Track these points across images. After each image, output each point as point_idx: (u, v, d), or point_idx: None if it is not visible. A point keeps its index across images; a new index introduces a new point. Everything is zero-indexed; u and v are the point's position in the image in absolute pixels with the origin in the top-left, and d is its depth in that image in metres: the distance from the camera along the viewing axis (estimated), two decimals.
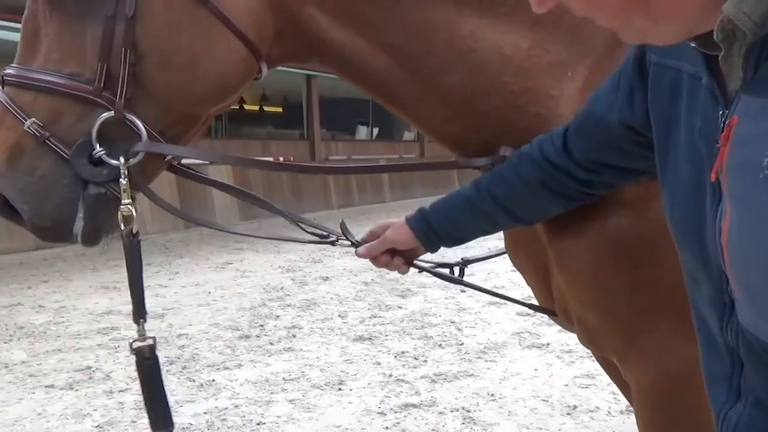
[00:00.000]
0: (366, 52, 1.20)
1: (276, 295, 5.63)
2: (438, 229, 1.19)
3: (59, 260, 7.17)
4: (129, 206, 1.13)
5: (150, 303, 5.77)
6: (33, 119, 1.09)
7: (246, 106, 15.01)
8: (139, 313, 1.18)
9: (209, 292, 5.75)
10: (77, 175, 1.11)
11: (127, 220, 1.13)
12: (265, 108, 15.82)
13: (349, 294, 5.62)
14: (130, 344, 1.17)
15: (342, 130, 15.30)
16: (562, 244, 1.20)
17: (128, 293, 1.18)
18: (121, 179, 1.11)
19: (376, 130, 15.95)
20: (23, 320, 4.88)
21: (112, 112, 1.09)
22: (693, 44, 0.67)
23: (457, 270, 1.44)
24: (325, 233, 1.30)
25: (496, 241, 1.81)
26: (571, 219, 1.17)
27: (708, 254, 0.71)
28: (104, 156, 1.11)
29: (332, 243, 1.29)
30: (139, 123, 1.11)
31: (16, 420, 3.17)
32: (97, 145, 1.10)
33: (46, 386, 3.58)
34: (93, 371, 3.80)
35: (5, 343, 4.36)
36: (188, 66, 1.11)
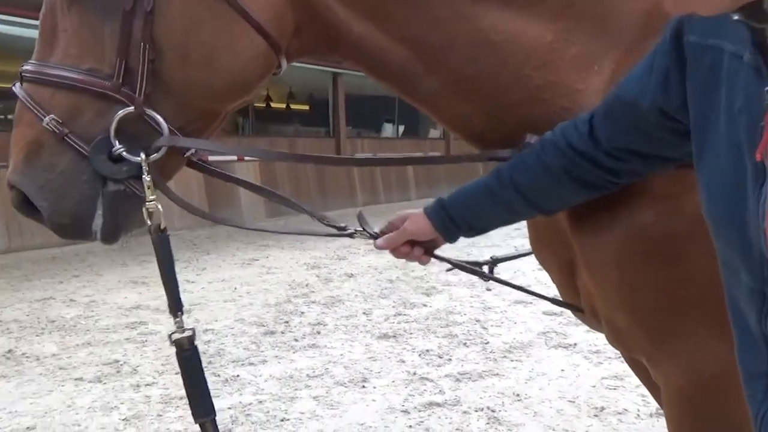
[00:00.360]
0: (385, 45, 1.19)
1: (301, 292, 5.65)
2: (457, 218, 1.17)
3: (90, 255, 7.31)
4: (155, 202, 1.13)
5: None
6: (52, 116, 1.10)
7: (273, 104, 15.11)
8: (176, 305, 1.18)
9: (235, 288, 5.80)
10: (96, 171, 1.11)
11: (153, 215, 1.13)
12: (292, 106, 15.90)
13: (373, 291, 5.62)
14: (170, 336, 1.17)
15: (368, 128, 15.30)
16: (588, 240, 1.17)
17: (157, 288, 1.19)
18: (144, 175, 1.11)
19: (401, 128, 15.92)
20: (55, 314, 4.98)
21: (132, 108, 1.09)
22: (737, 16, 0.64)
23: (486, 269, 1.42)
24: (341, 225, 1.28)
25: (523, 239, 1.79)
26: (598, 214, 1.14)
27: (748, 240, 0.68)
28: (124, 152, 1.11)
29: (350, 235, 1.27)
30: (159, 118, 1.11)
31: (46, 412, 3.23)
32: (116, 142, 1.10)
33: (75, 379, 3.65)
34: (121, 365, 3.85)
35: (37, 336, 4.46)
36: (207, 61, 1.11)
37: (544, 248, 1.39)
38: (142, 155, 1.11)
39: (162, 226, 1.15)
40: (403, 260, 1.27)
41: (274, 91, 14.76)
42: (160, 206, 1.14)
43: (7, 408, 3.28)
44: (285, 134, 13.17)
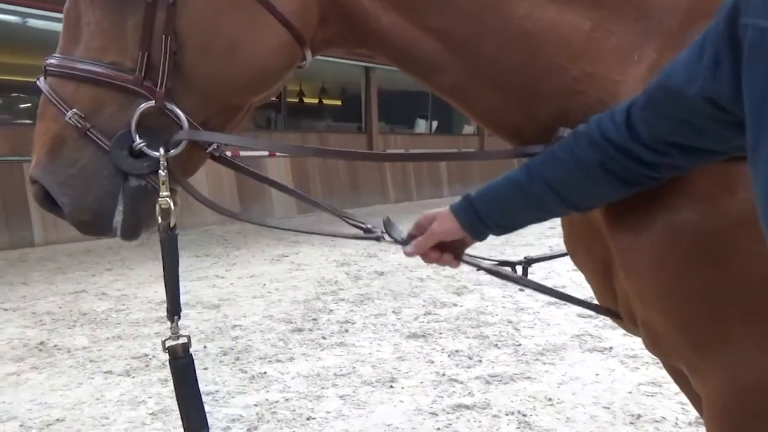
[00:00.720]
0: (413, 36, 1.16)
1: (330, 289, 5.66)
2: (485, 216, 1.13)
3: (123, 249, 7.45)
4: (168, 199, 1.12)
5: (207, 293, 5.92)
6: (74, 110, 1.10)
7: (305, 99, 15.20)
8: (174, 309, 1.16)
9: (264, 284, 5.84)
10: (117, 167, 1.11)
11: (165, 213, 1.12)
12: (324, 101, 15.98)
13: (403, 290, 5.59)
14: (163, 342, 1.16)
15: (400, 124, 15.27)
16: (625, 240, 1.12)
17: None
18: (159, 170, 1.11)
19: (435, 124, 15.84)
20: (87, 307, 5.09)
21: (153, 102, 1.09)
22: None
23: (519, 269, 1.38)
24: (368, 227, 1.26)
25: (558, 238, 1.74)
26: (635, 211, 1.10)
27: None
28: (144, 147, 1.10)
29: (377, 239, 1.25)
30: (179, 112, 1.10)
31: (75, 404, 3.30)
32: (137, 136, 1.10)
33: (104, 372, 3.71)
34: (150, 359, 3.91)
35: (69, 328, 4.56)
36: (230, 53, 1.10)
37: (579, 248, 1.35)
38: (161, 150, 1.10)
39: (172, 224, 1.14)
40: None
41: (306, 86, 14.85)
42: (172, 203, 1.12)
43: (37, 399, 3.35)
44: (317, 129, 13.23)
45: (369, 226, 1.27)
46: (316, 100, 15.88)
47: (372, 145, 13.08)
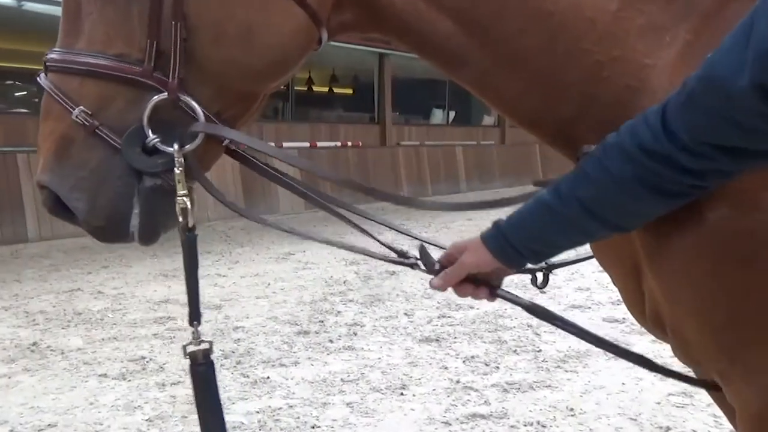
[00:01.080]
0: (428, 17, 1.16)
1: (338, 290, 5.67)
2: (518, 245, 1.10)
3: (120, 245, 7.50)
4: (185, 198, 1.11)
5: (208, 293, 5.96)
6: (81, 107, 1.08)
7: (314, 88, 15.22)
8: (195, 314, 1.17)
9: (268, 284, 5.86)
10: (130, 166, 1.10)
11: (184, 213, 1.12)
12: (335, 89, 15.99)
13: (416, 291, 5.59)
14: (184, 348, 1.16)
15: (416, 114, 15.25)
16: (654, 239, 1.10)
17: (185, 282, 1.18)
18: (175, 168, 1.09)
19: (452, 114, 15.81)
20: (82, 306, 5.13)
21: (165, 94, 1.08)
22: None
23: (540, 276, 1.37)
24: (401, 250, 1.25)
25: None
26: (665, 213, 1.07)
27: None
28: (158, 143, 1.09)
29: (410, 266, 1.22)
30: (194, 104, 1.09)
31: (68, 409, 3.32)
32: (150, 132, 1.09)
33: (99, 375, 3.74)
34: (147, 362, 3.94)
35: (63, 329, 4.60)
36: (245, 38, 1.09)
37: (606, 248, 1.33)
38: (176, 145, 1.09)
39: (191, 225, 1.13)
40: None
41: (315, 73, 14.87)
42: (189, 202, 1.12)
43: (29, 403, 3.38)
44: (327, 120, 13.25)
45: (402, 249, 1.25)
46: (326, 89, 15.90)
47: (385, 137, 13.08)
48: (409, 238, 1.40)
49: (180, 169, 1.10)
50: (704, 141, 0.92)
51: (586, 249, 1.47)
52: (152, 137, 1.09)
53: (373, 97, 13.42)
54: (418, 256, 1.22)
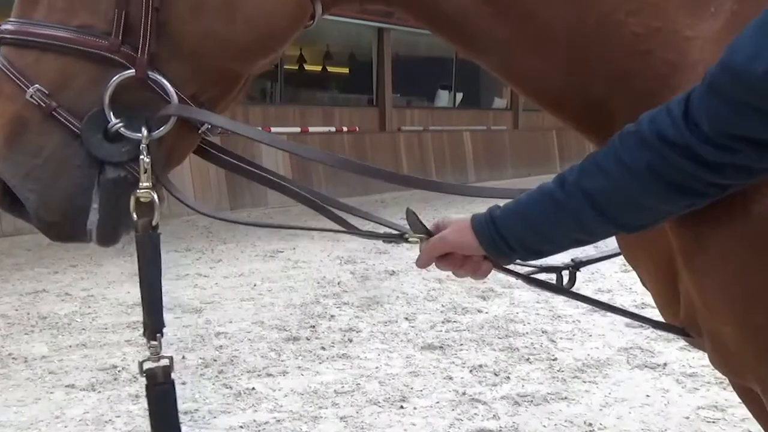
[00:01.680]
0: None
1: (332, 291, 5.67)
2: (509, 236, 1.10)
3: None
4: (149, 191, 1.09)
5: (187, 295, 5.94)
6: (37, 86, 1.07)
7: (306, 66, 15.19)
8: (155, 325, 1.13)
9: (254, 285, 5.87)
10: (91, 154, 1.08)
11: (146, 208, 1.10)
12: (329, 68, 15.97)
13: (418, 293, 5.59)
14: (140, 364, 1.14)
15: (419, 95, 15.23)
16: (692, 234, 1.10)
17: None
18: (141, 155, 1.08)
19: (459, 96, 15.78)
20: (47, 309, 5.14)
21: (132, 71, 1.06)
22: None
23: (566, 275, 1.37)
24: (389, 226, 1.23)
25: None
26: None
27: None
28: (123, 129, 1.08)
29: (401, 237, 1.20)
30: (165, 83, 1.08)
31: (31, 423, 3.33)
32: (112, 115, 1.07)
33: (66, 386, 3.75)
34: (119, 371, 3.95)
35: (26, 334, 4.61)
36: (226, 9, 1.08)
37: (635, 244, 1.33)
38: (144, 131, 1.08)
39: (154, 223, 1.11)
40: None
41: (307, 50, 14.84)
42: (156, 197, 1.10)
43: None
44: (320, 102, 13.24)
45: (388, 225, 1.23)
46: (319, 68, 15.87)
47: (384, 121, 13.07)
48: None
49: (147, 157, 1.08)
50: (726, 132, 0.94)
51: (611, 243, 1.47)
52: (115, 121, 1.07)
53: (372, 76, 13.39)
54: (407, 225, 1.19)
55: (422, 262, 1.18)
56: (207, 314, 5.01)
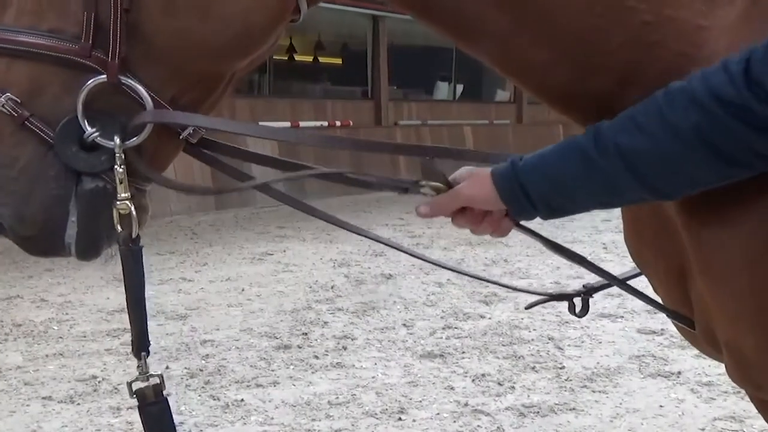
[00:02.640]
0: None
1: (325, 296, 5.68)
2: (532, 192, 1.09)
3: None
4: (127, 202, 1.10)
5: (171, 301, 5.94)
6: (8, 94, 1.08)
7: (297, 57, 15.19)
8: (141, 344, 1.15)
9: (242, 290, 5.87)
10: (67, 164, 1.10)
11: (126, 220, 1.11)
12: (321, 59, 15.97)
13: (417, 297, 5.60)
14: (129, 384, 1.15)
15: (416, 88, 15.24)
16: (708, 238, 1.10)
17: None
18: (116, 166, 1.09)
19: (460, 88, 15.80)
20: (22, 317, 5.14)
21: (104, 76, 1.07)
22: None
23: (579, 302, 1.38)
24: (396, 183, 1.23)
25: (616, 234, 1.68)
26: (721, 202, 1.08)
27: None
28: (98, 138, 1.09)
29: (415, 185, 1.18)
30: (140, 88, 1.08)
31: None
32: (86, 124, 1.08)
33: (42, 398, 3.75)
34: (98, 382, 3.95)
35: (0, 343, 4.61)
36: (199, 7, 1.08)
37: (645, 247, 1.33)
38: (117, 139, 1.09)
39: (134, 235, 1.13)
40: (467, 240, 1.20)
41: (298, 40, 14.83)
42: (134, 208, 1.11)
43: None
44: (311, 95, 13.24)
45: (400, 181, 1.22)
46: (310, 58, 15.87)
47: (380, 115, 13.07)
48: (404, 235, 1.40)
49: (122, 167, 1.09)
50: None
51: (618, 243, 1.47)
52: (90, 130, 1.08)
53: (366, 67, 13.40)
54: (422, 177, 1.18)
55: (431, 212, 1.16)
56: (192, 321, 5.01)
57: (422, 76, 15.24)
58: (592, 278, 1.40)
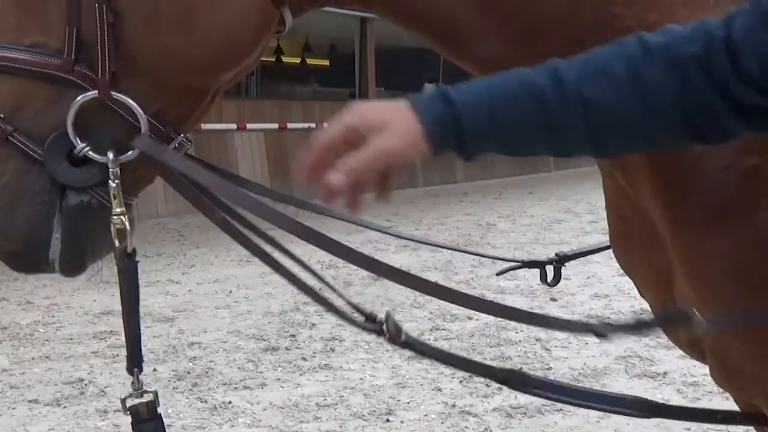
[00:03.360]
0: None
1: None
2: (469, 127, 0.91)
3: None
4: (122, 217, 1.10)
5: (158, 303, 5.92)
6: None
7: (284, 58, 15.18)
8: (135, 359, 1.16)
9: (230, 292, 5.86)
10: (52, 179, 1.10)
11: (121, 235, 1.11)
12: (309, 61, 15.97)
13: (404, 299, 5.61)
14: (122, 401, 1.16)
15: (404, 89, 15.15)
16: (694, 242, 1.11)
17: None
18: (110, 180, 1.09)
19: None
20: (7, 319, 5.11)
21: (95, 92, 1.07)
22: None
23: (550, 271, 1.38)
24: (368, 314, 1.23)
25: (601, 236, 1.73)
26: (708, 206, 1.08)
27: None
28: (90, 152, 1.09)
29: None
30: (132, 104, 1.08)
31: None
32: (77, 139, 1.08)
33: (29, 401, 3.74)
34: (85, 385, 3.93)
35: None
36: (183, 21, 1.08)
37: (633, 247, 1.34)
38: (110, 155, 1.09)
39: (130, 250, 1.13)
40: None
41: (285, 41, 14.82)
42: (128, 223, 1.11)
43: None
44: (299, 97, 13.23)
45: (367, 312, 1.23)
46: (297, 60, 15.88)
47: None
48: (394, 237, 1.42)
49: (116, 182, 1.09)
50: None
51: (602, 240, 1.48)
52: (82, 145, 1.08)
53: (354, 69, 13.40)
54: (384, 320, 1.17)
55: (349, 179, 0.91)
56: (179, 323, 5.00)
57: (410, 78, 15.23)
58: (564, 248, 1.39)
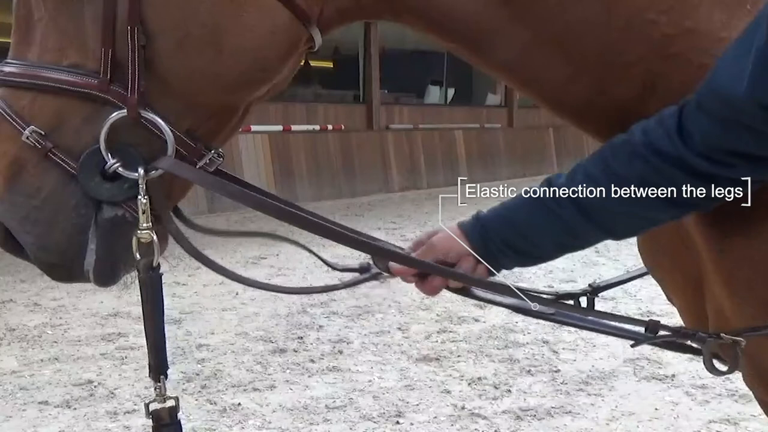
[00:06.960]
0: None
1: (319, 300, 5.68)
2: (496, 238, 1.17)
3: None
4: (149, 231, 1.13)
5: (165, 304, 5.91)
6: (32, 127, 1.11)
7: None
8: (160, 367, 1.18)
9: (237, 294, 5.86)
10: (87, 194, 1.13)
11: (146, 249, 1.14)
12: (312, 62, 15.95)
13: (411, 301, 5.61)
14: (146, 405, 1.18)
15: (408, 91, 15.26)
16: (730, 248, 1.12)
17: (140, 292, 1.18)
18: (139, 196, 1.12)
19: (451, 92, 15.84)
20: (15, 321, 5.12)
21: (124, 111, 1.10)
22: None
23: (584, 301, 1.39)
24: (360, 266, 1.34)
25: (634, 258, 1.71)
26: (743, 213, 1.09)
27: None
28: (120, 168, 1.11)
29: (370, 278, 1.30)
30: (160, 122, 1.11)
31: None
32: (109, 155, 1.11)
33: (39, 403, 3.74)
34: (95, 386, 3.94)
35: None
36: (212, 42, 1.10)
37: (662, 257, 1.35)
38: (140, 170, 1.11)
39: (155, 263, 1.16)
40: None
41: None
42: (155, 236, 1.14)
43: None
44: (303, 98, 13.21)
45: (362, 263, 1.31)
46: (301, 62, 15.81)
47: (372, 119, 13.08)
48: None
49: (145, 197, 1.12)
50: (719, 147, 1.01)
51: (634, 264, 1.47)
52: (112, 161, 1.11)
53: (358, 71, 13.41)
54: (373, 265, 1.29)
55: (402, 270, 1.25)
56: (187, 325, 5.01)
57: (414, 80, 15.28)
58: (590, 279, 1.41)
